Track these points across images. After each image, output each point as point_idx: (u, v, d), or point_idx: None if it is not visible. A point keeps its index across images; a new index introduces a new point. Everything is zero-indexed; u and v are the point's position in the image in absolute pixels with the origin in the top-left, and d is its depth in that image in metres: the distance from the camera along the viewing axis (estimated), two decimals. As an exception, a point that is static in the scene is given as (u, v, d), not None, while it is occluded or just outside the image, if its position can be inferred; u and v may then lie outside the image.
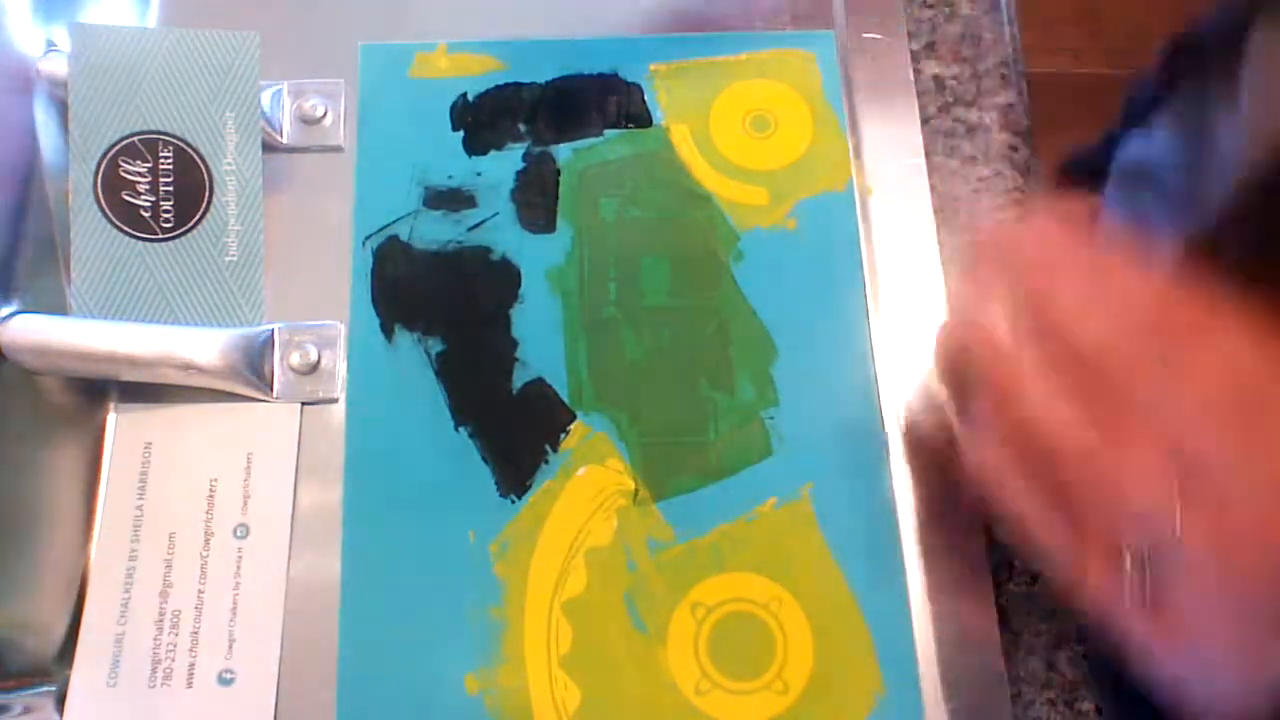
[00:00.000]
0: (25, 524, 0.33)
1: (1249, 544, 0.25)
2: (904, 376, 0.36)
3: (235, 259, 0.36)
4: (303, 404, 0.36)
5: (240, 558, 0.34)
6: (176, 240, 0.36)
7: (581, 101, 0.40)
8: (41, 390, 0.35)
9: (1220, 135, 0.40)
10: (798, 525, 0.35)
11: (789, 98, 0.40)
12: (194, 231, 0.36)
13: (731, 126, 0.40)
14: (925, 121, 0.40)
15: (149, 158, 0.36)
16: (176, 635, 0.33)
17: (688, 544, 0.34)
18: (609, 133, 0.39)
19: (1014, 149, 0.40)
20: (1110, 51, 1.22)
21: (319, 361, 0.36)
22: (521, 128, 0.39)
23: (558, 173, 0.39)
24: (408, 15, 0.41)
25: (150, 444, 0.35)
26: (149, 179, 0.36)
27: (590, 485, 0.35)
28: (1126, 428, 0.27)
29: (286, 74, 0.39)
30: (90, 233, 0.35)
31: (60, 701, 0.32)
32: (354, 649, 0.33)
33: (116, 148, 0.36)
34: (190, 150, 0.36)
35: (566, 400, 0.36)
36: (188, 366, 0.34)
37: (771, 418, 0.36)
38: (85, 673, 0.33)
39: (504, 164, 0.39)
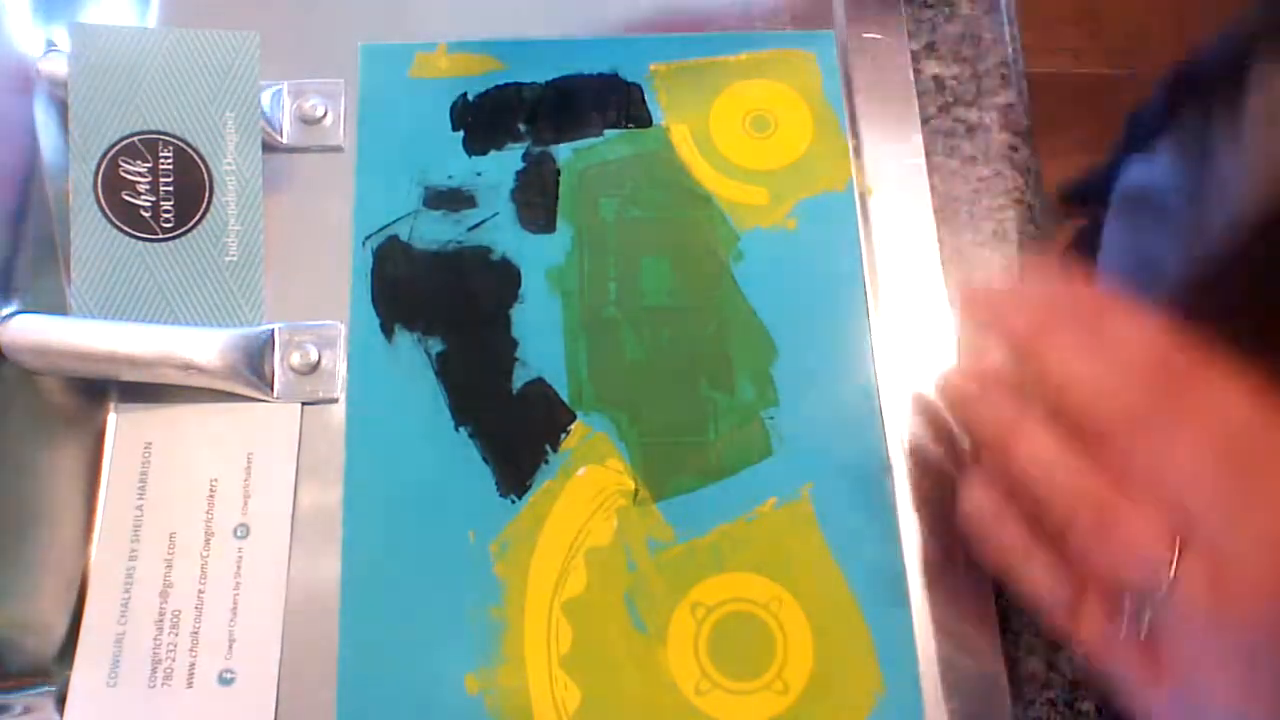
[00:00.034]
0: (25, 524, 0.33)
1: (1246, 597, 0.25)
2: (904, 376, 0.36)
3: (235, 259, 0.36)
4: (303, 404, 0.36)
5: (240, 558, 0.34)
6: (176, 240, 0.36)
7: (581, 101, 0.40)
8: (41, 390, 0.35)
9: (1222, 163, 0.41)
10: (798, 525, 0.35)
11: (789, 98, 0.40)
12: (194, 231, 0.36)
13: (731, 126, 0.40)
14: (925, 121, 0.40)
15: (149, 158, 0.36)
16: (176, 635, 0.33)
17: (688, 544, 0.34)
18: (609, 133, 0.39)
19: (1014, 149, 0.40)
20: (1110, 51, 1.22)
21: (319, 361, 0.36)
22: (521, 128, 0.39)
23: (558, 173, 0.39)
24: (408, 15, 0.41)
25: (150, 444, 0.35)
26: (149, 179, 0.36)
27: (590, 485, 0.35)
28: (1122, 478, 0.27)
29: (286, 74, 0.39)
30: (90, 233, 0.35)
31: (60, 701, 0.32)
32: (354, 649, 0.33)
33: (116, 148, 0.36)
34: (190, 150, 0.36)
35: (566, 400, 0.36)
36: (188, 366, 0.34)
37: (771, 418, 0.36)
38: (85, 673, 0.33)
39: (504, 164, 0.39)
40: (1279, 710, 0.25)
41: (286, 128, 0.39)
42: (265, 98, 0.38)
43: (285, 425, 0.35)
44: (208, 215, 0.36)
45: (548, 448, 0.35)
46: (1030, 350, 0.29)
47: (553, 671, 0.33)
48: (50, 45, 0.37)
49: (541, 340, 0.37)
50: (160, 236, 0.36)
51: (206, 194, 0.36)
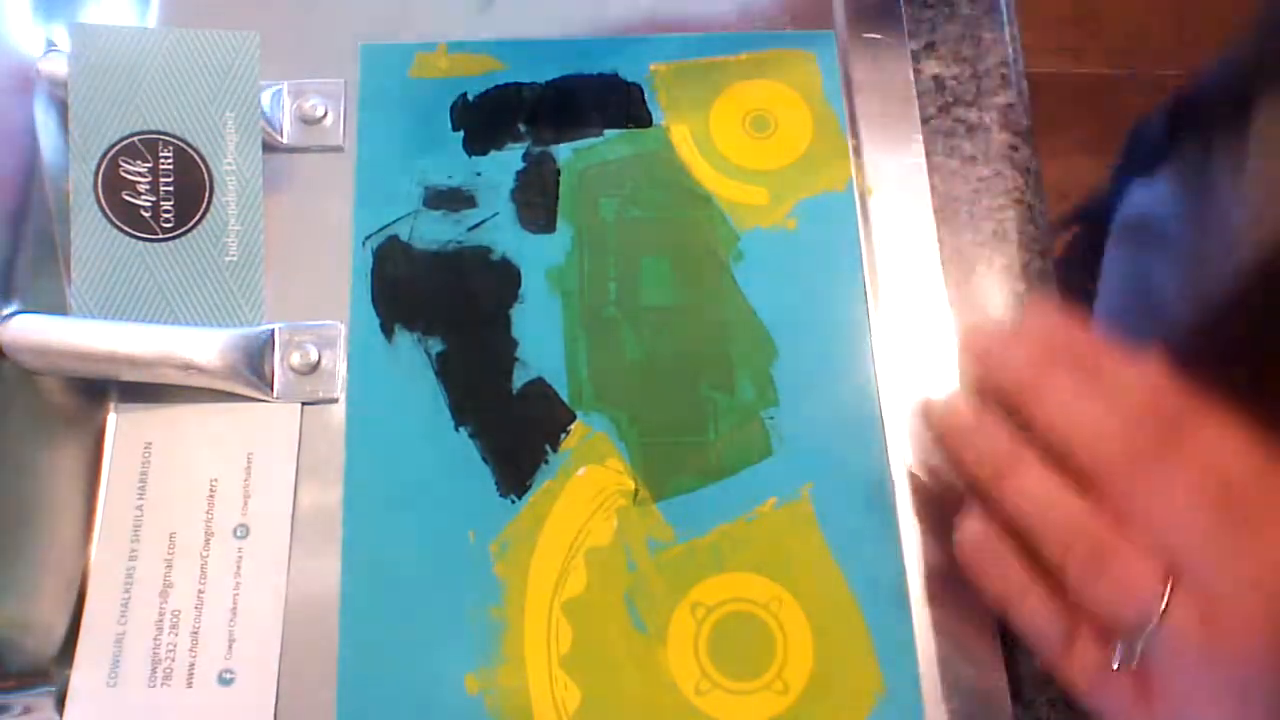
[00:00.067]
0: (25, 524, 0.33)
1: (1237, 633, 0.26)
2: (904, 377, 0.36)
3: (235, 259, 0.36)
4: (303, 404, 0.36)
5: (240, 558, 0.34)
6: (176, 240, 0.36)
7: (581, 101, 0.40)
8: (41, 390, 0.35)
9: (1223, 195, 0.41)
10: (798, 525, 0.35)
11: (789, 98, 0.40)
12: (194, 231, 0.36)
13: (731, 126, 0.40)
14: (925, 121, 0.40)
15: (149, 158, 0.36)
16: (176, 635, 0.33)
17: (688, 544, 0.34)
18: (609, 133, 0.39)
19: (1014, 149, 0.40)
20: (1110, 51, 1.22)
21: (319, 361, 0.36)
22: (521, 128, 0.39)
23: (558, 173, 0.39)
24: (408, 15, 0.41)
25: (150, 444, 0.35)
26: (149, 179, 0.36)
27: (590, 485, 0.35)
28: (1117, 517, 0.27)
29: (286, 74, 0.39)
30: (90, 233, 0.35)
31: (60, 701, 0.32)
32: (354, 649, 0.33)
33: (116, 148, 0.36)
34: (190, 150, 0.36)
35: (566, 400, 0.36)
36: (188, 366, 0.34)
37: (771, 418, 0.36)
38: (85, 673, 0.33)
39: (504, 164, 0.39)
40: None
41: (286, 128, 0.39)
42: (265, 98, 0.38)
43: (285, 425, 0.35)
44: (208, 215, 0.36)
45: (548, 448, 0.35)
46: (1029, 391, 0.29)
47: (553, 671, 0.33)
48: (50, 45, 0.37)
49: (541, 340, 0.37)
50: (160, 236, 0.36)
51: (206, 194, 0.36)
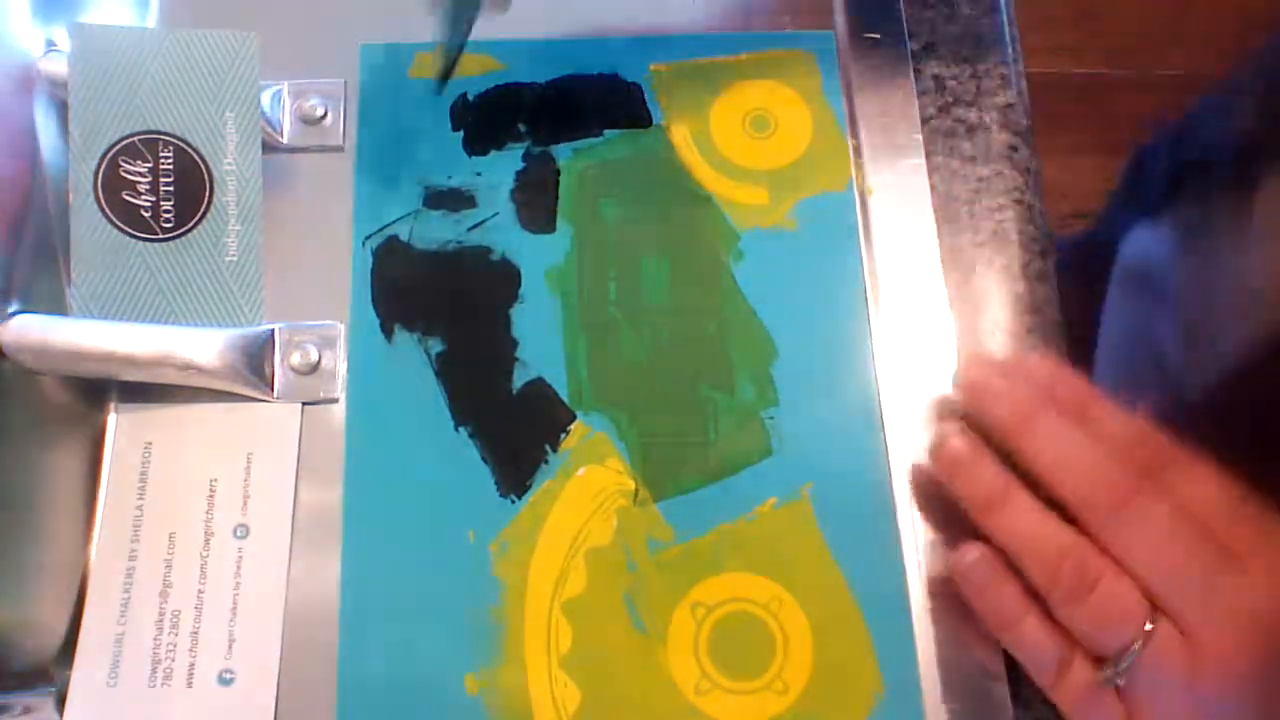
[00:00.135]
0: (25, 524, 0.33)
1: (1213, 666, 0.27)
2: (904, 377, 0.36)
3: (235, 259, 0.37)
4: (303, 404, 0.36)
5: (240, 558, 0.34)
6: (176, 240, 0.36)
7: (581, 101, 0.40)
8: (41, 390, 0.35)
9: (1224, 260, 0.42)
10: (798, 525, 0.35)
11: (789, 98, 0.40)
12: (194, 231, 0.36)
13: (731, 126, 0.40)
14: (925, 121, 0.40)
15: (149, 158, 0.36)
16: (176, 635, 0.33)
17: (688, 544, 0.34)
18: (609, 133, 0.39)
19: (1014, 149, 0.40)
20: (1110, 51, 1.22)
21: (319, 361, 0.36)
22: (521, 128, 0.39)
23: (558, 173, 0.39)
24: (408, 15, 0.41)
25: (150, 444, 0.35)
26: (149, 179, 0.36)
27: (590, 485, 0.35)
28: (1101, 546, 0.29)
29: (286, 74, 0.39)
30: (90, 233, 0.35)
31: (60, 701, 0.32)
32: (354, 649, 0.33)
33: (116, 148, 0.36)
34: (190, 150, 0.36)
35: (566, 400, 0.36)
36: (188, 366, 0.34)
37: (771, 418, 0.36)
38: (85, 673, 0.33)
39: (504, 164, 0.39)
40: None
41: (286, 128, 0.39)
42: (265, 98, 0.38)
43: (285, 425, 0.35)
44: (208, 215, 0.36)
45: (548, 448, 0.35)
46: (1020, 426, 0.31)
47: (552, 671, 0.33)
48: (50, 45, 0.37)
49: (541, 340, 0.37)
50: (160, 236, 0.36)
51: (206, 194, 0.36)
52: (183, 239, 0.36)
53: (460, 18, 0.37)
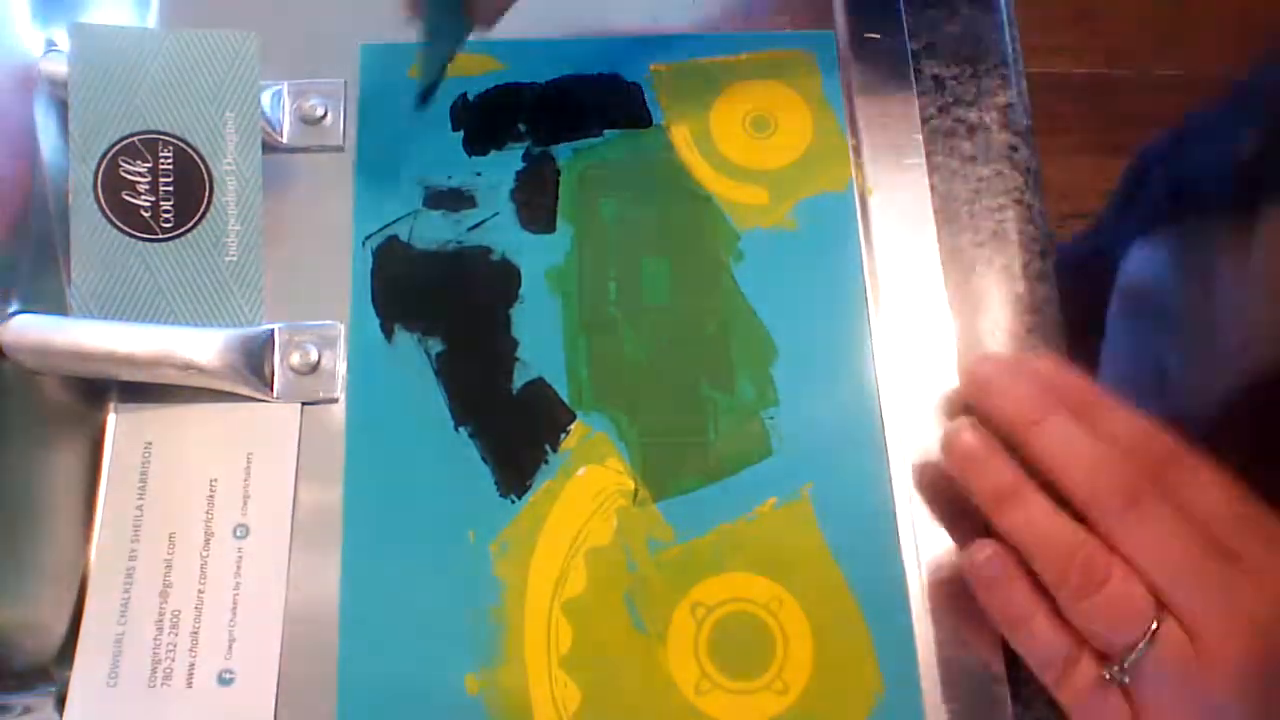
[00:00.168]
0: (25, 524, 0.33)
1: (1215, 665, 0.27)
2: (904, 376, 0.36)
3: (235, 259, 0.36)
4: (303, 404, 0.36)
5: (240, 558, 0.34)
6: (176, 240, 0.36)
7: (581, 101, 0.40)
8: (41, 390, 0.35)
9: (1224, 288, 0.42)
10: (798, 525, 0.35)
11: (789, 98, 0.40)
12: (194, 231, 0.36)
13: (731, 126, 0.40)
14: (925, 121, 0.40)
15: (149, 158, 0.36)
16: (176, 635, 0.33)
17: (688, 544, 0.34)
18: (609, 133, 0.39)
19: (1014, 149, 0.40)
20: (1110, 51, 1.22)
21: (319, 361, 0.36)
22: (521, 128, 0.39)
23: (558, 173, 0.39)
24: (408, 15, 0.41)
25: (150, 444, 0.35)
26: (149, 179, 0.36)
27: (590, 485, 0.35)
28: (1108, 544, 0.29)
29: (286, 74, 0.39)
30: (90, 233, 0.35)
31: (60, 701, 0.32)
32: (354, 649, 0.33)
33: (116, 148, 0.36)
34: (190, 150, 0.36)
35: (566, 400, 0.36)
36: (188, 366, 0.34)
37: (771, 418, 0.36)
38: (85, 673, 0.33)
39: (504, 164, 0.39)
40: None
41: (286, 128, 0.39)
42: (265, 98, 0.38)
43: (285, 425, 0.35)
44: (208, 215, 0.36)
45: (548, 448, 0.35)
46: (1028, 423, 0.31)
47: (553, 671, 0.33)
48: (50, 45, 0.37)
49: (541, 340, 0.37)
50: (160, 236, 0.36)
51: (206, 194, 0.36)
52: (182, 239, 0.36)
53: (442, 51, 0.37)
